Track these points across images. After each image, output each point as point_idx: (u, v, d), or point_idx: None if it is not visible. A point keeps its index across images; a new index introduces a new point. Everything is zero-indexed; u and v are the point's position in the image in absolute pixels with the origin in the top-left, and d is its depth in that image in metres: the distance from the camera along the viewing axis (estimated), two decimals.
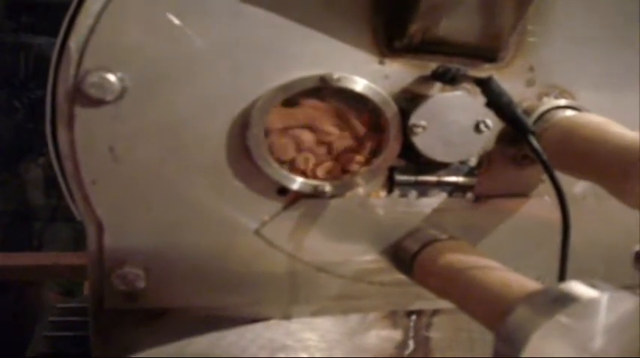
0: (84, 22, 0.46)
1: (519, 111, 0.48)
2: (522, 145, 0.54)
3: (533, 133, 0.47)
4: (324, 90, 0.51)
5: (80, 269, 0.98)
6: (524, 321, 0.39)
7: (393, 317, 0.59)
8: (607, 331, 0.38)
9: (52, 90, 0.48)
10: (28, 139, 1.73)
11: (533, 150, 0.47)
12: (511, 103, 0.47)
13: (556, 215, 0.56)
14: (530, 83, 0.54)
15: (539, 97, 0.55)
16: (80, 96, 0.47)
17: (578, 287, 0.39)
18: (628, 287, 0.63)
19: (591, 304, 0.38)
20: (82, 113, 0.47)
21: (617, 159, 0.45)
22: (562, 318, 0.37)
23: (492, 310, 0.43)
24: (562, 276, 0.44)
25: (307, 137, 0.51)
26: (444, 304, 0.58)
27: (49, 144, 0.50)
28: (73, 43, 0.46)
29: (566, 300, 0.38)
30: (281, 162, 0.51)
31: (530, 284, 0.43)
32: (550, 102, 0.54)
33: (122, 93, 0.47)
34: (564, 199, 0.45)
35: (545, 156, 0.46)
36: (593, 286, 0.39)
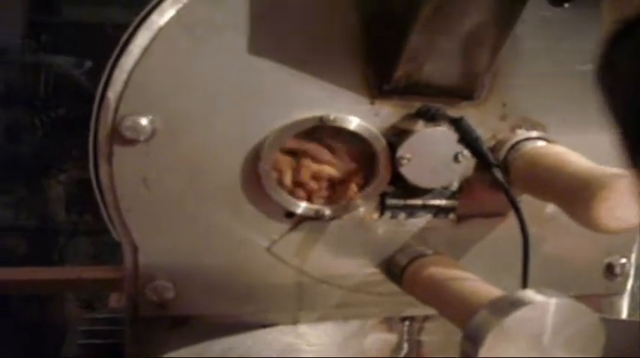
0: (119, 76, 0.55)
1: (485, 147, 0.56)
2: None
3: (497, 166, 0.55)
4: (320, 130, 0.59)
5: (102, 282, 1.05)
6: (483, 322, 0.46)
7: (388, 323, 0.67)
8: (554, 332, 0.46)
9: (93, 133, 0.57)
10: (48, 157, 1.80)
11: (496, 180, 0.55)
12: (478, 140, 0.55)
13: (530, 232, 0.64)
14: (503, 117, 0.62)
15: (512, 129, 0.63)
16: (117, 136, 0.56)
17: (530, 294, 0.47)
18: (600, 296, 0.71)
19: (539, 307, 0.46)
20: (119, 151, 0.56)
21: (572, 186, 0.53)
22: (514, 319, 0.45)
23: (463, 314, 0.50)
24: (524, 285, 0.52)
25: (307, 169, 0.59)
26: (432, 311, 0.66)
27: (92, 178, 0.59)
28: (111, 93, 0.56)
29: (519, 304, 0.46)
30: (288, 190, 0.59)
31: (497, 293, 0.51)
32: (522, 134, 0.62)
33: (152, 134, 0.56)
34: (522, 219, 0.53)
35: (506, 186, 0.54)
36: (542, 293, 0.47)
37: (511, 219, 0.64)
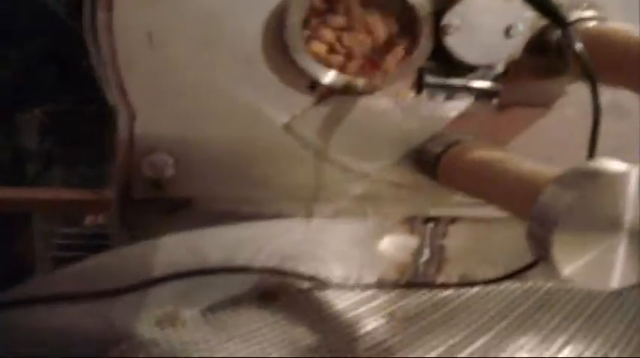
0: None
1: (557, 3, 0.48)
2: (548, 56, 0.55)
3: (570, 24, 0.48)
4: None
5: (78, 203, 0.99)
6: (554, 199, 0.39)
7: (410, 223, 0.60)
8: (637, 206, 0.38)
9: None
10: (23, 90, 1.72)
11: (570, 40, 0.47)
12: None
13: (576, 127, 0.58)
14: None
15: (569, 10, 0.55)
16: None
17: (607, 163, 0.39)
18: None
19: (620, 177, 0.38)
20: None
21: None
22: (591, 192, 0.38)
23: (524, 196, 0.43)
24: (591, 156, 0.45)
25: (340, 32, 0.51)
26: (463, 212, 0.60)
27: (87, 29, 0.49)
28: None
29: (595, 175, 0.38)
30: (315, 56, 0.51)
31: (559, 170, 0.43)
32: (579, 13, 0.54)
33: None
34: (596, 84, 0.46)
35: (580, 47, 0.47)
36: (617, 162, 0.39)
37: (556, 112, 0.58)
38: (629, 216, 0.38)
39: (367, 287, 0.61)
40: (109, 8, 0.47)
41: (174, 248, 0.53)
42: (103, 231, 0.87)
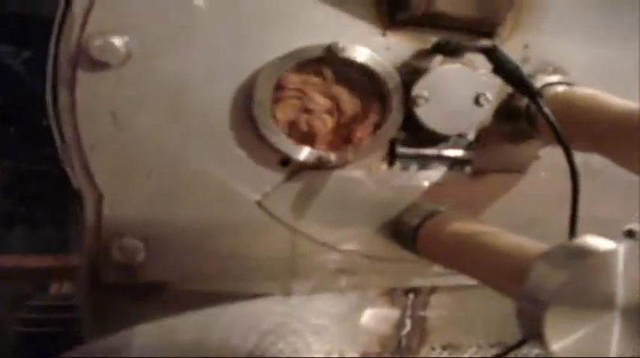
0: None
1: (527, 76, 0.48)
2: (518, 121, 0.55)
3: (540, 95, 0.48)
4: (325, 61, 0.50)
5: (42, 271, 0.95)
6: (544, 279, 0.38)
7: (391, 295, 0.59)
8: (628, 284, 0.38)
9: (53, 54, 0.47)
10: None
11: (541, 111, 0.47)
12: (518, 68, 0.48)
13: (551, 191, 0.58)
14: (525, 60, 0.55)
15: (534, 74, 0.55)
16: (83, 59, 0.46)
17: (594, 241, 0.39)
18: None
19: (608, 256, 0.38)
20: (84, 77, 0.46)
21: (619, 127, 0.46)
22: (582, 269, 0.37)
23: (508, 271, 0.42)
24: (572, 234, 0.45)
25: (309, 107, 0.51)
26: (442, 282, 0.59)
27: (49, 108, 0.48)
28: (77, 6, 0.46)
29: (584, 253, 0.38)
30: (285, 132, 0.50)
31: (543, 245, 0.43)
32: (545, 78, 0.55)
33: (126, 58, 0.46)
34: (571, 155, 0.46)
35: (552, 117, 0.47)
36: (604, 239, 0.39)
37: (530, 177, 0.58)
38: (620, 294, 0.38)
39: None
40: (72, 90, 0.46)
41: (149, 340, 0.51)
42: (69, 303, 0.84)
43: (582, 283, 0.37)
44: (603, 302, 0.38)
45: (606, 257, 0.38)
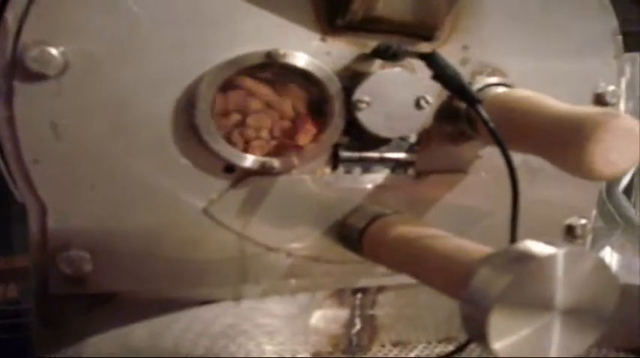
0: None
1: (466, 81, 0.49)
2: (458, 122, 0.56)
3: (480, 102, 0.49)
4: (265, 67, 0.51)
5: None
6: (486, 283, 0.39)
7: (339, 296, 0.60)
8: (569, 286, 0.39)
9: None
10: None
11: (481, 118, 0.48)
12: (457, 74, 0.49)
13: (492, 190, 0.59)
14: (464, 62, 0.56)
15: (473, 76, 0.57)
16: (19, 70, 0.45)
17: (535, 245, 0.40)
18: None
19: (548, 260, 0.39)
20: (21, 88, 0.46)
21: (561, 129, 0.47)
22: (523, 274, 0.38)
23: (452, 275, 0.43)
24: (513, 239, 0.46)
25: (251, 114, 0.51)
26: (388, 281, 0.60)
27: None
28: (10, 15, 0.45)
29: (525, 258, 0.39)
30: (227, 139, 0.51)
31: (485, 249, 0.44)
32: (484, 80, 0.56)
33: (65, 68, 0.46)
34: (510, 159, 0.46)
35: (492, 124, 0.48)
36: (549, 243, 0.40)
37: (472, 177, 0.59)
38: (559, 296, 0.39)
39: None
40: (9, 102, 0.46)
41: (103, 351, 0.51)
42: (17, 308, 0.82)
43: (523, 287, 0.38)
44: (543, 305, 0.39)
45: (546, 261, 0.39)
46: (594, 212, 0.65)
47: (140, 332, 0.54)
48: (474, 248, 0.45)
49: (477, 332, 0.40)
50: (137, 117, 0.49)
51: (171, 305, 0.54)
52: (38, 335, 0.52)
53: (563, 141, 0.47)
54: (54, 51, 0.45)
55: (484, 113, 0.49)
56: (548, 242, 0.40)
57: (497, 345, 0.39)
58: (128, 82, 0.48)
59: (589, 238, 0.65)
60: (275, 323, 0.59)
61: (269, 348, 0.60)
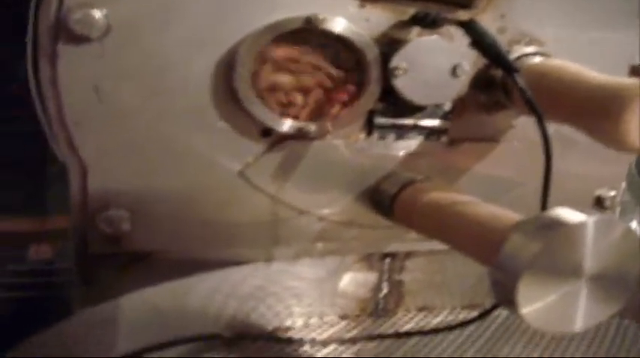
0: None
1: (504, 51, 0.49)
2: (494, 91, 0.56)
3: (517, 71, 0.49)
4: (304, 33, 0.51)
5: (18, 235, 0.95)
6: (517, 249, 0.40)
7: (368, 260, 0.61)
8: (597, 254, 0.40)
9: (33, 26, 0.47)
10: None
11: (518, 87, 0.48)
12: (495, 43, 0.49)
13: (523, 160, 0.59)
14: (501, 31, 0.56)
15: (510, 45, 0.56)
16: (63, 33, 0.46)
17: (566, 213, 0.41)
18: None
19: (578, 228, 0.39)
20: (65, 51, 0.46)
21: (597, 98, 0.47)
22: (554, 241, 0.39)
23: (484, 242, 0.44)
24: (544, 207, 0.46)
25: (287, 79, 0.52)
26: (418, 247, 0.61)
27: (31, 83, 0.49)
28: None
29: (555, 225, 0.40)
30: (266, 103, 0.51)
31: (517, 216, 0.44)
32: (521, 49, 0.56)
33: (107, 31, 0.46)
34: (544, 128, 0.47)
35: (529, 93, 0.48)
36: (579, 211, 0.41)
37: (504, 145, 0.59)
38: (588, 264, 0.40)
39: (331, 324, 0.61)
40: (53, 64, 0.47)
41: (135, 309, 0.52)
42: (51, 267, 0.84)
43: (553, 253, 0.39)
44: (572, 272, 0.40)
45: (577, 228, 0.39)
46: (624, 184, 0.65)
47: (169, 291, 0.55)
48: (506, 215, 0.46)
49: (506, 297, 0.40)
50: (176, 80, 0.49)
51: (202, 266, 0.55)
52: (76, 294, 0.54)
53: (598, 111, 0.47)
54: (97, 13, 0.46)
55: (521, 82, 0.49)
56: (578, 210, 0.41)
57: (525, 310, 0.39)
58: (168, 46, 0.48)
59: (617, 210, 0.66)
60: (303, 286, 0.60)
61: (297, 310, 0.61)
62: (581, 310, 0.40)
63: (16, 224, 0.96)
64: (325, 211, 0.56)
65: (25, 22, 0.49)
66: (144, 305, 0.54)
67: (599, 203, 0.64)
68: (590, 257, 0.40)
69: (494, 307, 0.48)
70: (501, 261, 0.41)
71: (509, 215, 0.45)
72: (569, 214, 0.40)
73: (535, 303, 0.39)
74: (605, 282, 0.41)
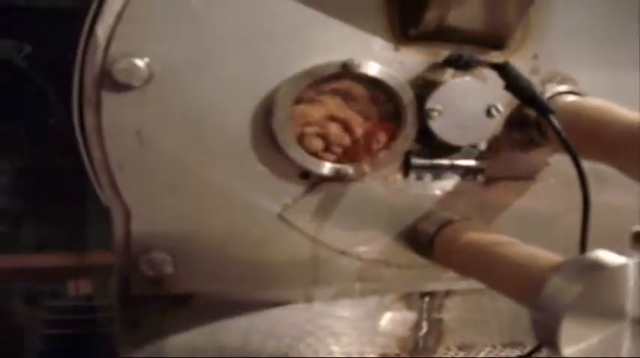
0: (111, 8, 0.47)
1: (538, 92, 0.50)
2: (528, 130, 0.57)
3: (552, 112, 0.49)
4: (341, 78, 0.52)
5: (57, 270, 0.96)
6: (559, 291, 0.40)
7: (407, 299, 0.61)
8: (638, 297, 0.40)
9: (79, 77, 0.49)
10: None
11: (554, 128, 0.49)
12: (530, 85, 0.50)
13: (560, 197, 0.59)
14: (534, 71, 0.57)
15: (543, 84, 0.57)
16: (108, 81, 0.47)
17: (606, 255, 0.41)
18: None
19: (620, 270, 0.39)
20: (109, 99, 0.48)
21: (628, 138, 0.48)
22: (596, 284, 0.39)
23: (522, 282, 0.44)
24: (583, 248, 0.46)
25: (331, 126, 0.53)
26: (456, 285, 0.60)
27: (77, 130, 0.50)
28: (101, 30, 0.47)
29: (597, 267, 0.40)
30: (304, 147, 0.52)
31: (555, 257, 0.45)
32: (554, 88, 0.57)
33: (149, 79, 0.48)
34: (583, 171, 0.47)
35: (564, 134, 0.48)
36: (620, 253, 0.41)
37: (539, 184, 0.60)
38: (630, 305, 0.40)
39: None
40: (98, 112, 0.48)
41: (176, 349, 0.53)
42: (90, 304, 0.86)
43: (594, 295, 0.39)
44: (614, 313, 0.40)
45: (618, 271, 0.39)
46: None
47: (209, 331, 0.56)
48: (545, 256, 0.46)
49: (548, 338, 0.41)
50: (216, 125, 0.50)
51: (242, 307, 0.56)
52: (120, 336, 0.55)
53: (633, 150, 0.48)
54: (140, 62, 0.47)
55: (557, 123, 0.49)
56: (618, 251, 0.41)
57: (568, 351, 0.39)
58: (208, 92, 0.50)
59: None
60: (342, 325, 0.61)
61: (336, 349, 0.61)
62: (624, 351, 0.40)
63: (55, 259, 0.97)
64: (364, 251, 0.56)
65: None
66: (185, 345, 0.55)
67: (637, 239, 0.63)
68: (632, 298, 0.40)
69: (537, 348, 0.48)
70: (543, 301, 0.41)
71: (548, 256, 0.45)
72: (609, 256, 0.40)
73: (578, 344, 0.39)
74: None
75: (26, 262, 0.95)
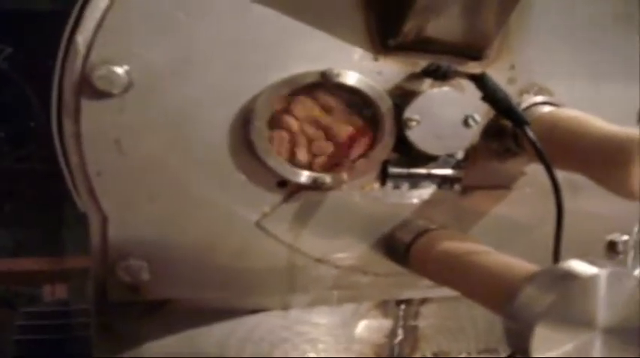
0: (91, 16, 0.47)
1: (514, 104, 0.51)
2: (505, 140, 0.58)
3: (528, 124, 0.50)
4: (319, 87, 0.52)
5: (33, 275, 0.95)
6: (532, 299, 0.41)
7: (383, 307, 0.61)
8: (610, 306, 0.41)
9: (58, 84, 0.49)
10: None
11: (529, 139, 0.49)
12: (506, 96, 0.50)
13: (535, 206, 0.60)
14: (511, 81, 0.57)
15: (520, 94, 0.58)
16: (87, 88, 0.47)
17: (578, 265, 0.41)
18: None
19: (592, 280, 0.40)
20: (88, 106, 0.48)
21: (605, 149, 0.48)
22: (568, 294, 0.40)
23: (497, 291, 0.45)
24: (556, 258, 0.47)
25: (308, 130, 0.53)
26: (432, 293, 0.61)
27: (55, 136, 0.50)
28: (80, 37, 0.47)
29: (569, 277, 0.41)
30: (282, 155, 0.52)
31: (530, 266, 0.45)
32: (530, 99, 0.58)
33: (128, 87, 0.48)
34: (557, 181, 0.48)
35: (540, 145, 0.49)
36: (592, 263, 0.42)
37: (516, 192, 0.60)
38: (601, 315, 0.40)
39: None
40: (77, 118, 0.48)
41: (154, 354, 0.53)
42: (66, 309, 0.85)
43: (566, 305, 0.40)
44: (585, 322, 0.40)
45: (589, 281, 0.40)
46: (636, 228, 0.66)
47: (187, 337, 0.56)
48: (519, 265, 0.47)
49: (520, 346, 0.41)
50: (195, 133, 0.50)
51: (219, 314, 0.56)
52: (96, 342, 0.55)
53: (607, 161, 0.49)
54: (119, 70, 0.47)
55: (532, 134, 0.50)
56: (591, 261, 0.42)
57: None
58: (187, 100, 0.50)
59: (631, 254, 0.66)
60: (318, 332, 0.61)
61: (312, 355, 0.61)
62: None
63: (31, 263, 0.97)
64: (341, 259, 0.56)
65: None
66: (162, 350, 0.55)
67: (611, 248, 0.65)
68: (603, 308, 0.40)
69: (510, 356, 0.49)
70: (515, 310, 0.41)
71: (523, 265, 0.46)
72: (581, 266, 0.41)
73: (549, 353, 0.40)
74: (619, 333, 0.41)
75: (1, 266, 0.95)
